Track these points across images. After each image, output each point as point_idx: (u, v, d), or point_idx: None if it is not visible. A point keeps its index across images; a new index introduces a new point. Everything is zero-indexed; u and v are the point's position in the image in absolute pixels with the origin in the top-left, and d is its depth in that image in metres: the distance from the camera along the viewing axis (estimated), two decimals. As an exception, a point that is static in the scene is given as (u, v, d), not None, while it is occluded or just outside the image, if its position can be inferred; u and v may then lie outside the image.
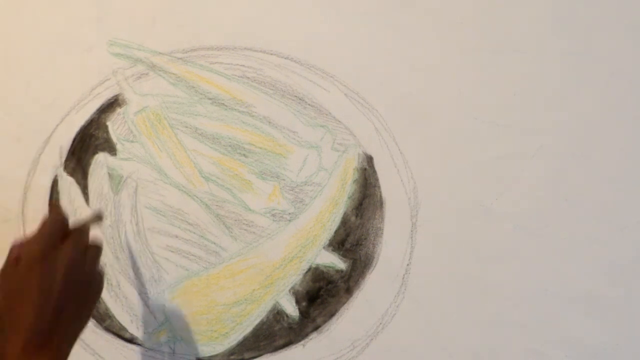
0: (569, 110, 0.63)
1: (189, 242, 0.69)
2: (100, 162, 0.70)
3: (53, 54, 0.68)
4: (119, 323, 0.69)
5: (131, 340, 0.70)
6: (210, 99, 0.68)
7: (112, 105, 0.69)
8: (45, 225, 0.54)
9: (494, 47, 0.64)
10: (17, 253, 0.52)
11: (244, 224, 0.68)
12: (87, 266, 0.55)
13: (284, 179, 0.67)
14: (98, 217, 0.62)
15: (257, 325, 0.68)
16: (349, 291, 0.66)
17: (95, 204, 0.70)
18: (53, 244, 0.52)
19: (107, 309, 0.69)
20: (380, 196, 0.66)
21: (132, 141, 0.68)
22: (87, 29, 0.68)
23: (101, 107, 0.69)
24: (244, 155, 0.68)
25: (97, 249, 0.57)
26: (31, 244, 0.52)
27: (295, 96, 0.67)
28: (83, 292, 0.54)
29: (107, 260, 0.69)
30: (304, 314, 0.67)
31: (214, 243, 0.68)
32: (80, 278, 0.53)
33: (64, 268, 0.51)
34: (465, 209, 0.64)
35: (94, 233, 0.60)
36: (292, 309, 0.67)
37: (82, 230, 0.57)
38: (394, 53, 0.65)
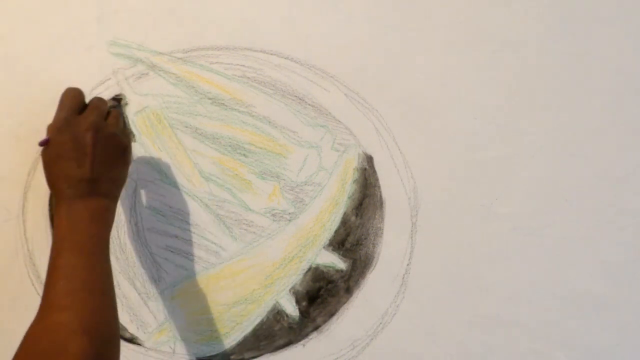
0: (569, 110, 0.63)
1: (189, 242, 0.69)
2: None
3: (53, 54, 0.68)
4: (119, 323, 0.69)
5: (131, 340, 0.70)
6: (210, 99, 0.68)
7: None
8: (63, 99, 0.61)
9: (494, 47, 0.64)
10: (47, 135, 0.59)
11: (244, 224, 0.68)
12: (110, 127, 0.61)
13: (284, 179, 0.67)
14: (115, 100, 0.68)
15: (257, 325, 0.68)
16: (349, 291, 0.66)
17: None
18: (74, 112, 0.60)
19: (107, 309, 0.69)
20: (380, 196, 0.66)
21: (132, 141, 0.68)
22: (87, 29, 0.68)
23: (101, 107, 0.69)
24: (244, 155, 0.68)
25: (116, 113, 0.64)
26: (55, 119, 0.59)
27: (295, 96, 0.67)
28: (113, 149, 0.60)
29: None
30: (304, 313, 0.67)
31: (214, 243, 0.68)
32: (106, 136, 0.59)
33: (89, 129, 0.58)
34: (465, 209, 0.64)
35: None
36: (292, 309, 0.67)
37: (99, 100, 0.63)
38: (394, 53, 0.65)
